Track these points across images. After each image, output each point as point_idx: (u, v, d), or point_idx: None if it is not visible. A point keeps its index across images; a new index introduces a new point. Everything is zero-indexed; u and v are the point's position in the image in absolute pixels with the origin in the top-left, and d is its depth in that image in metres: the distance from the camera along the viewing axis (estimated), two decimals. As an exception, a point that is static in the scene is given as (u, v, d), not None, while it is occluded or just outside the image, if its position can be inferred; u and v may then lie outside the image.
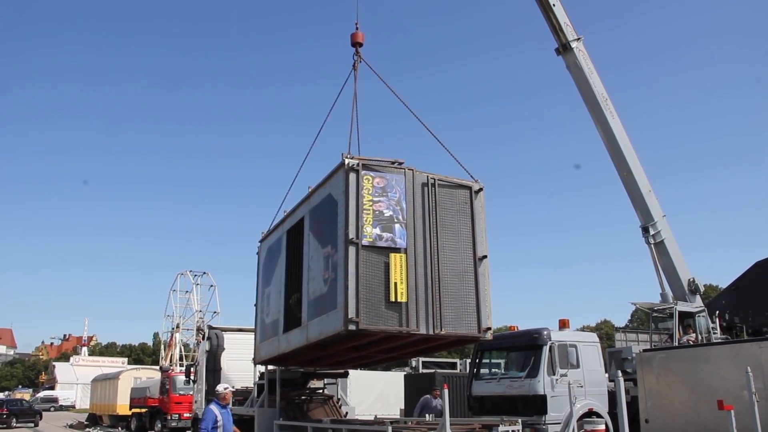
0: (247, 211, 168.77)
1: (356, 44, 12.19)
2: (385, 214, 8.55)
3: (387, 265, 8.36)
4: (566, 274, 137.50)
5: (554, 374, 15.07)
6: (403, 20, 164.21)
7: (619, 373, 16.01)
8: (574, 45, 20.36)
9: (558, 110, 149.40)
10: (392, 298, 8.24)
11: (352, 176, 8.53)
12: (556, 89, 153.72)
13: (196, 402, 21.07)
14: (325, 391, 19.54)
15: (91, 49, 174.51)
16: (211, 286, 67.95)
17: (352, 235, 8.24)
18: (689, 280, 21.29)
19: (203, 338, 21.03)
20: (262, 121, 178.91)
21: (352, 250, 8.19)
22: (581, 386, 15.62)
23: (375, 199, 8.53)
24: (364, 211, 8.41)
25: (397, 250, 8.49)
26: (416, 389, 22.39)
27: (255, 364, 12.11)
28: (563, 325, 16.54)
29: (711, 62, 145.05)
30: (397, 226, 8.58)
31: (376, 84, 11.99)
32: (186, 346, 66.98)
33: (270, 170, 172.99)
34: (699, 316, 20.34)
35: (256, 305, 12.52)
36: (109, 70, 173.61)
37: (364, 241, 8.29)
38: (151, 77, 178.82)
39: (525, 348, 16.65)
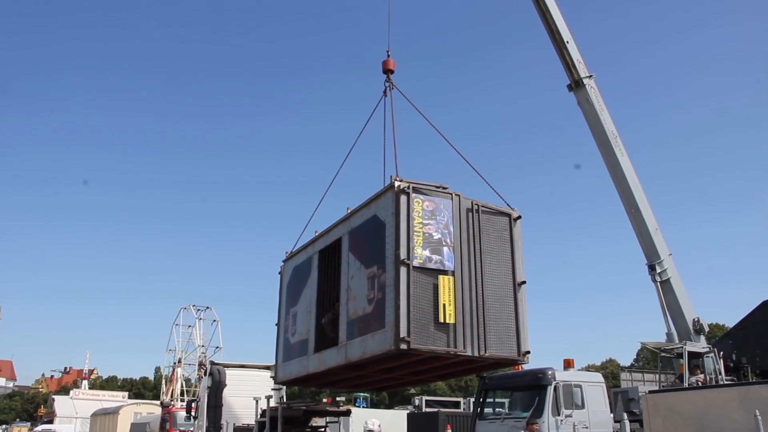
0: (251, 246, 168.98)
1: (388, 71, 12.38)
2: (434, 237, 8.70)
3: (436, 287, 8.50)
4: (571, 312, 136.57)
5: (559, 415, 14.93)
6: (426, 50, 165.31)
7: (625, 415, 15.87)
8: (586, 82, 20.58)
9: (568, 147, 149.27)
10: (441, 319, 8.36)
11: (403, 198, 8.69)
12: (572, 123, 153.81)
13: (196, 438, 20.86)
14: (327, 430, 19.38)
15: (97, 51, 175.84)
16: (214, 320, 67.58)
17: (403, 256, 8.36)
18: (694, 319, 21.23)
19: (205, 374, 20.87)
20: (277, 156, 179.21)
21: (403, 270, 8.31)
22: (586, 427, 15.48)
23: (425, 221, 8.70)
24: (415, 233, 8.55)
25: (445, 272, 8.63)
26: (419, 428, 22.17)
27: (276, 383, 12.17)
28: (568, 364, 16.45)
29: (711, 63, 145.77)
30: (445, 249, 8.73)
31: (399, 112, 12.18)
32: (187, 381, 66.31)
33: (279, 206, 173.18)
34: (707, 356, 20.18)
35: (277, 324, 12.48)
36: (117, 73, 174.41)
37: (415, 263, 8.43)
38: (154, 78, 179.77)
39: (529, 388, 16.52)
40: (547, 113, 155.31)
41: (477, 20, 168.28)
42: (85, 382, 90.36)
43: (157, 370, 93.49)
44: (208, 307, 68.14)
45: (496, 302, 9.06)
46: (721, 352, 20.98)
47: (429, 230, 8.67)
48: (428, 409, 25.69)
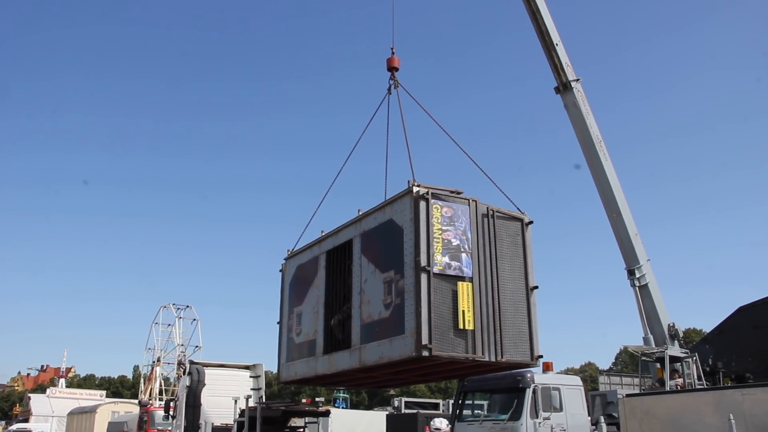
0: (232, 246, 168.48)
1: (392, 69, 12.29)
2: (453, 244, 8.72)
3: (455, 293, 8.55)
4: (550, 316, 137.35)
5: (537, 417, 15.06)
6: (423, 48, 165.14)
7: (602, 417, 16.01)
8: (573, 85, 20.68)
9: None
10: (460, 326, 8.42)
11: (422, 204, 8.69)
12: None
13: (174, 438, 20.74)
14: (306, 430, 19.34)
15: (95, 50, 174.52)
16: (194, 319, 67.15)
17: (423, 262, 8.37)
18: (669, 325, 21.49)
19: (184, 373, 20.76)
20: (262, 156, 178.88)
21: (423, 277, 8.32)
22: (564, 429, 15.60)
23: (444, 228, 8.71)
24: (435, 240, 8.56)
25: (463, 278, 8.66)
26: (398, 429, 22.18)
27: (280, 382, 12.17)
28: (547, 368, 16.56)
29: (711, 63, 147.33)
30: (463, 255, 8.76)
31: (405, 112, 12.05)
32: (166, 380, 65.75)
33: (264, 207, 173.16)
34: (685, 360, 20.42)
35: (279, 323, 12.35)
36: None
37: (435, 269, 8.43)
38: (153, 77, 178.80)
39: (508, 390, 16.62)
40: (547, 113, 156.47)
41: (474, 19, 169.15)
42: (62, 380, 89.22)
43: (136, 368, 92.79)
44: (188, 306, 67.75)
45: (511, 307, 9.16)
46: (695, 356, 21.25)
47: (448, 236, 8.72)
48: (407, 411, 25.70)
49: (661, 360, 20.33)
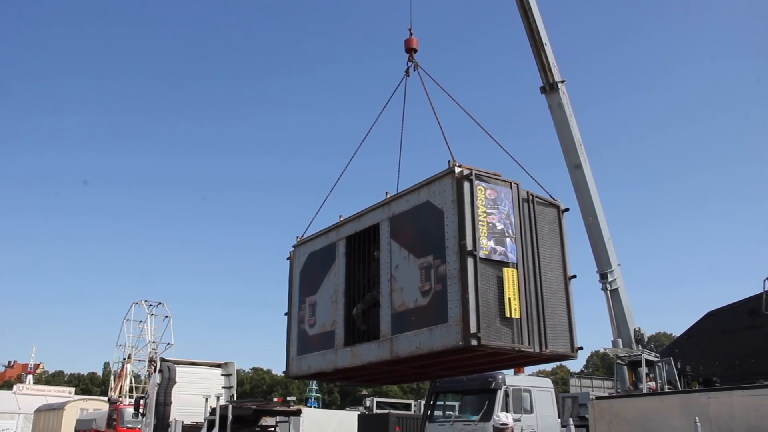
0: (204, 244, 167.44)
1: (411, 50, 11.95)
2: (498, 227, 8.35)
3: (500, 280, 8.20)
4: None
5: (508, 419, 15.15)
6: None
7: (571, 420, 16.17)
8: (560, 86, 20.82)
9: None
10: (507, 314, 8.05)
11: (466, 185, 8.28)
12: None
13: (143, 436, 20.56)
14: (277, 430, 19.27)
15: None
16: (166, 317, 66.48)
17: (470, 246, 7.97)
18: (635, 329, 21.73)
19: (155, 370, 20.57)
20: (243, 154, 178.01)
21: (470, 261, 7.93)
22: (534, 431, 15.72)
23: (488, 211, 8.35)
24: (480, 223, 8.18)
25: (507, 264, 8.32)
26: (369, 429, 22.16)
27: (289, 377, 11.61)
28: (518, 370, 16.68)
29: (711, 63, 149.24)
30: (508, 240, 8.41)
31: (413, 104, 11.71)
32: (137, 377, 65.21)
33: (239, 205, 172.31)
34: (657, 364, 20.73)
35: (287, 314, 11.63)
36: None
37: (481, 254, 8.05)
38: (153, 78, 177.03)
39: (479, 392, 16.73)
40: (546, 112, 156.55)
41: (471, 18, 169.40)
42: (30, 376, 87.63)
43: (106, 365, 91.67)
44: (160, 303, 67.02)
45: (551, 296, 8.81)
46: (670, 360, 21.55)
47: (492, 220, 8.31)
48: (379, 411, 25.71)
49: (635, 363, 20.62)
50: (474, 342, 7.64)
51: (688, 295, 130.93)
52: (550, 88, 21.00)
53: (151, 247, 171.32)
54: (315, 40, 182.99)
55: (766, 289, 20.85)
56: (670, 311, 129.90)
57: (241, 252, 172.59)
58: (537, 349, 8.36)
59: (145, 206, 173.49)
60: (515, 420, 15.68)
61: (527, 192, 9.00)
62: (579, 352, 8.99)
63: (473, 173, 8.36)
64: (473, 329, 7.64)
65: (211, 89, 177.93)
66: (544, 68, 20.83)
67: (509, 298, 8.12)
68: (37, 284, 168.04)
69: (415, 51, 11.95)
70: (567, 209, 9.60)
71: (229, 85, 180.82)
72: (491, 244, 8.19)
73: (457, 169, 8.39)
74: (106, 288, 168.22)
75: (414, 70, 11.77)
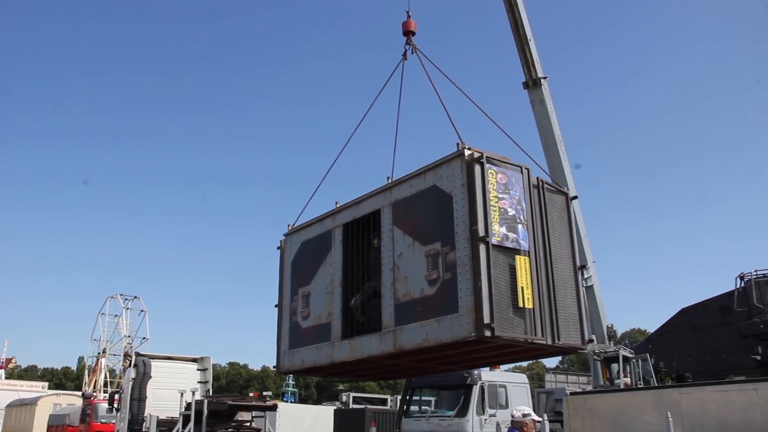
0: (178, 238, 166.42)
1: (408, 33, 11.51)
2: (509, 213, 7.94)
3: (513, 268, 7.79)
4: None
5: (483, 414, 15.26)
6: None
7: (545, 415, 16.32)
8: (542, 82, 20.95)
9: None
10: (520, 304, 7.66)
11: (477, 169, 7.87)
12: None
13: (118, 431, 20.42)
14: (253, 424, 19.20)
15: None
16: (142, 311, 65.56)
17: (482, 232, 7.55)
18: (608, 326, 22.01)
19: (130, 365, 20.42)
20: (228, 149, 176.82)
21: (482, 248, 7.50)
22: (509, 427, 15.79)
23: (500, 195, 7.94)
24: (491, 208, 7.77)
25: (519, 251, 7.91)
26: (345, 425, 22.13)
27: (279, 373, 11.09)
28: (494, 366, 16.79)
29: (711, 62, 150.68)
30: (519, 226, 7.99)
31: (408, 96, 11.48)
32: (112, 372, 64.56)
33: (226, 201, 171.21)
34: (632, 361, 21.01)
35: (278, 306, 11.02)
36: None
37: (494, 240, 7.63)
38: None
39: (455, 387, 16.82)
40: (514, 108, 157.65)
41: (466, 16, 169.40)
42: (1, 371, 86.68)
43: (81, 360, 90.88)
44: (135, 297, 66.20)
45: (562, 286, 8.44)
46: (646, 357, 21.83)
47: (504, 205, 7.91)
48: (355, 406, 25.73)
49: (610, 360, 20.90)
50: (488, 333, 7.26)
51: (663, 291, 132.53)
52: (533, 83, 21.12)
53: (126, 242, 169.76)
54: (316, 40, 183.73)
55: (737, 287, 21.17)
56: (644, 307, 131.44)
57: (218, 247, 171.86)
58: (549, 341, 8.00)
59: (121, 202, 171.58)
60: (491, 415, 15.90)
61: (537, 178, 8.64)
62: (589, 344, 8.88)
63: (484, 156, 7.98)
64: (486, 319, 7.26)
65: (211, 87, 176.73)
66: (527, 64, 20.94)
67: (522, 287, 7.75)
68: (7, 279, 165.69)
69: (413, 34, 11.53)
70: (575, 197, 9.22)
71: (229, 84, 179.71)
72: (503, 230, 7.81)
73: (467, 152, 7.98)
74: (81, 283, 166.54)
75: (412, 53, 11.35)
